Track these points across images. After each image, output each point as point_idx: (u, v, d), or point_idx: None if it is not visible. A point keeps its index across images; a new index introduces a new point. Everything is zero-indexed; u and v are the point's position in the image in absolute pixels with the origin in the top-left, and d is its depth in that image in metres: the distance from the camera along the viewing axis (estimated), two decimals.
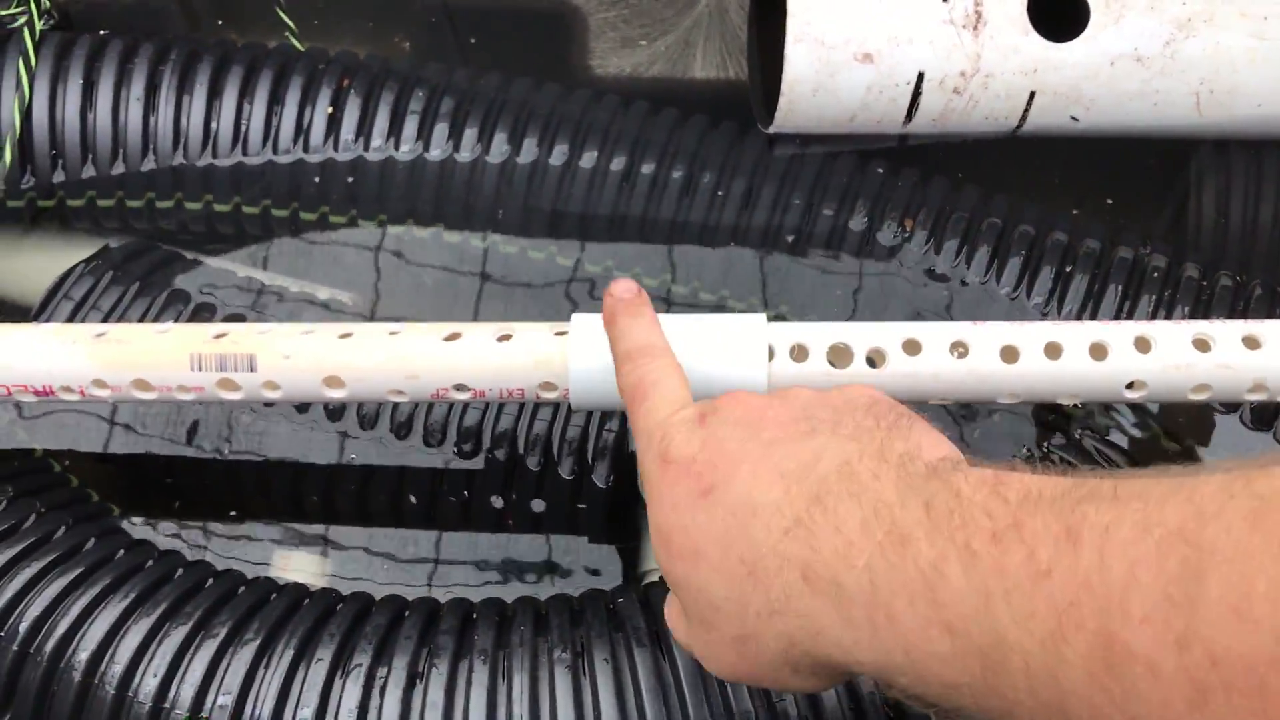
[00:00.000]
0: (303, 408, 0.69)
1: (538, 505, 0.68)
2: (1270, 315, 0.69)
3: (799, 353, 0.55)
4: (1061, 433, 0.69)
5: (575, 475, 0.67)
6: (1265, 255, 0.76)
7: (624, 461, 0.67)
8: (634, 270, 0.76)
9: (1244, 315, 0.69)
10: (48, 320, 0.70)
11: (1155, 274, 0.71)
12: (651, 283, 0.76)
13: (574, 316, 0.57)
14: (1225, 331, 0.55)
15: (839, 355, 0.55)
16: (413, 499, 0.69)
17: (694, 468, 0.42)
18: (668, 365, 0.48)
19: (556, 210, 0.77)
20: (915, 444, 0.40)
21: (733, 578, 0.40)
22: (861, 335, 0.55)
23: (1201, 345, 0.54)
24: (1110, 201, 0.81)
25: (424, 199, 0.77)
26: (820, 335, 0.55)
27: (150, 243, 0.76)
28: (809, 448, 0.40)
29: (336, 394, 0.57)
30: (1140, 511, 0.31)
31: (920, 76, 0.74)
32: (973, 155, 0.81)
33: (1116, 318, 0.70)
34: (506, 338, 0.57)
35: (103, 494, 0.69)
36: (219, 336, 0.58)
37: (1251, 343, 0.54)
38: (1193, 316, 0.69)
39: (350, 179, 0.77)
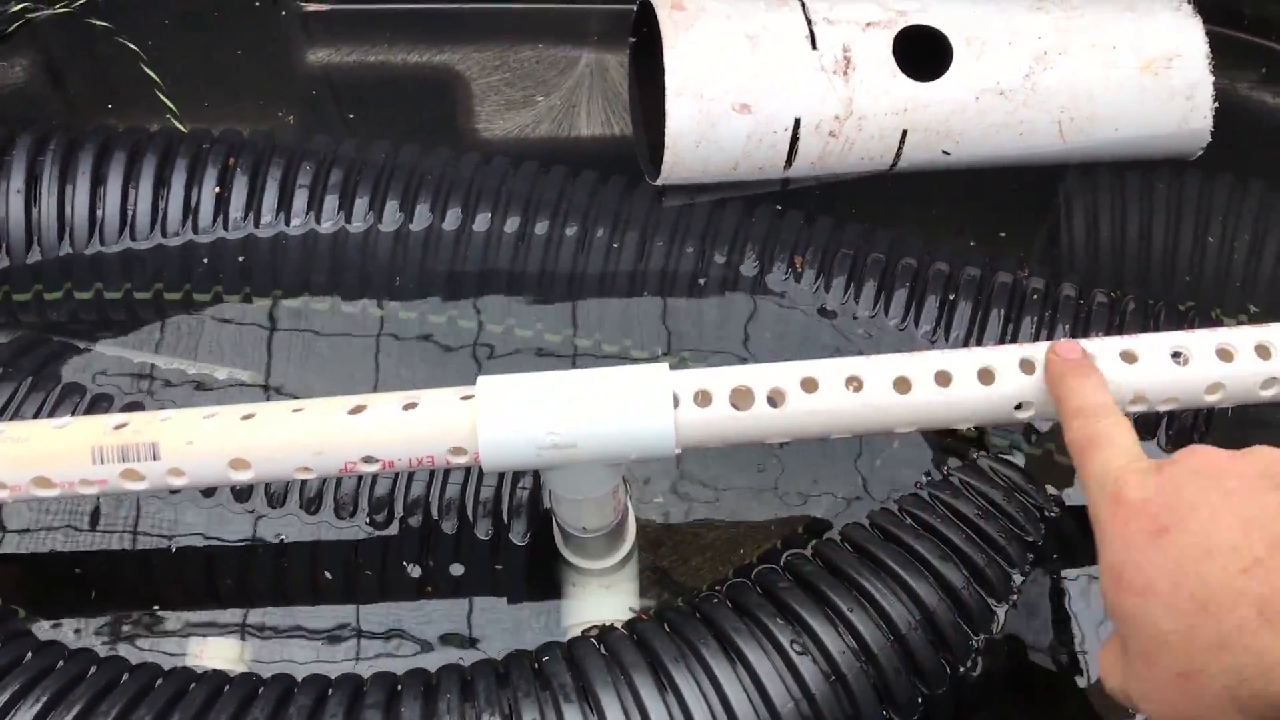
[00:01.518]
0: (210, 490, 0.68)
1: (456, 569, 0.68)
2: (1144, 328, 0.73)
3: (702, 398, 0.56)
4: (959, 456, 0.71)
5: (492, 536, 0.67)
6: (1135, 270, 0.80)
7: (539, 518, 0.68)
8: (536, 327, 0.77)
9: (1120, 330, 0.73)
10: None
11: (1035, 296, 0.74)
12: (554, 338, 0.77)
13: (479, 379, 0.57)
14: (1104, 348, 0.57)
15: (741, 397, 0.56)
16: (328, 574, 0.69)
17: (1149, 509, 0.45)
18: (1119, 421, 0.50)
19: (454, 273, 0.77)
20: None
21: (1182, 613, 0.42)
22: (761, 376, 0.57)
23: None
24: (992, 229, 0.84)
25: (319, 271, 0.77)
26: (722, 379, 0.57)
27: (41, 335, 0.75)
28: (1273, 500, 0.42)
29: (243, 476, 0.57)
30: None
31: (797, 122, 0.76)
32: (856, 193, 0.83)
33: (1001, 340, 0.73)
34: (412, 406, 0.57)
35: (6, 596, 0.67)
36: (119, 427, 0.57)
37: (1129, 357, 0.57)
38: (1073, 334, 0.72)
39: (241, 257, 0.77)
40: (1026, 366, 0.57)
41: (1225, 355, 0.57)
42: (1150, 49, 0.79)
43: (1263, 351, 0.57)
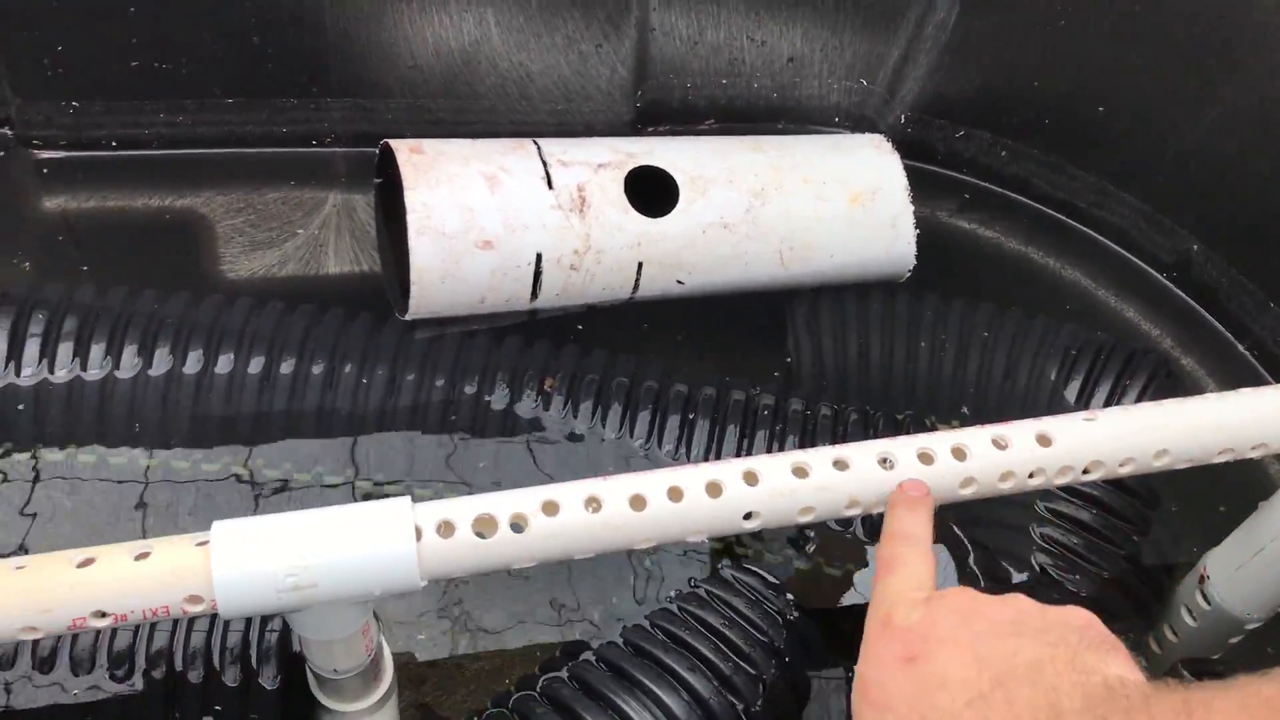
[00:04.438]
0: None
1: None
2: (864, 436, 0.79)
3: (446, 528, 0.57)
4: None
5: (241, 683, 0.65)
6: (856, 384, 0.86)
7: (290, 661, 0.66)
8: (284, 465, 0.76)
9: (844, 439, 0.78)
10: None
11: (765, 411, 0.79)
12: (304, 476, 0.76)
13: (215, 524, 0.56)
14: (819, 458, 0.62)
15: (485, 525, 0.58)
16: None
17: (906, 637, 0.49)
18: (921, 553, 0.55)
19: (195, 417, 0.76)
20: (1104, 662, 0.45)
21: None
22: (504, 503, 0.58)
23: (800, 472, 0.61)
24: (731, 351, 0.89)
25: (52, 422, 0.74)
26: (465, 508, 0.58)
27: None
28: (1010, 644, 0.46)
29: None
30: (1225, 708, 0.40)
31: (539, 257, 0.80)
32: (603, 322, 0.87)
33: (738, 454, 0.77)
34: (144, 555, 0.55)
35: None
36: None
37: (841, 465, 0.62)
38: (801, 445, 0.77)
39: None
40: (750, 478, 0.61)
41: (926, 459, 0.62)
42: (856, 183, 0.88)
43: (959, 453, 0.63)
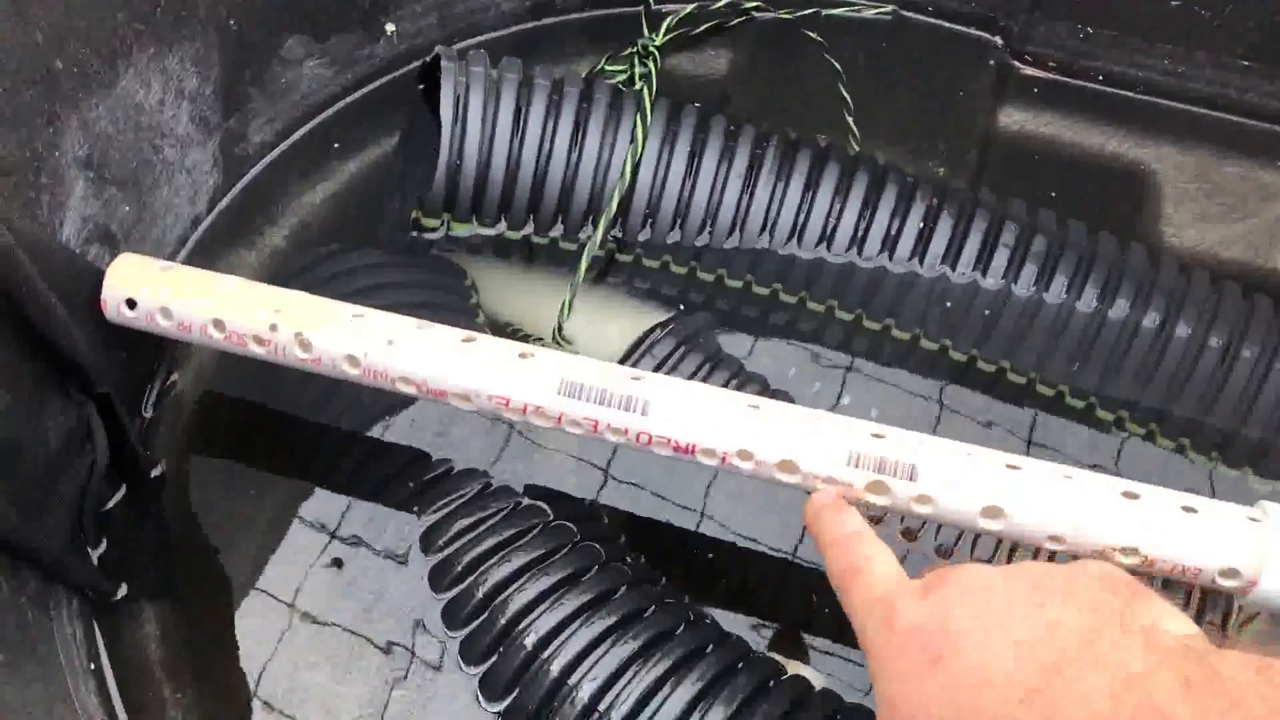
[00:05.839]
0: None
1: None
2: None
3: None
4: None
5: None
6: None
7: None
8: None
9: None
10: None
11: None
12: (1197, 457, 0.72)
13: (1268, 505, 0.53)
14: None
15: None
16: None
17: (921, 636, 0.42)
18: (878, 545, 0.49)
19: (1136, 372, 0.73)
20: (1156, 618, 0.39)
21: None
22: None
23: None
24: None
25: (998, 334, 0.75)
26: None
27: (714, 320, 0.77)
28: (1042, 618, 0.40)
29: (992, 525, 0.54)
30: None
31: None
32: None
33: None
34: (1191, 510, 0.53)
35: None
36: (877, 436, 0.56)
37: None
38: None
39: (928, 300, 0.76)
40: None
41: None
42: None
43: None
